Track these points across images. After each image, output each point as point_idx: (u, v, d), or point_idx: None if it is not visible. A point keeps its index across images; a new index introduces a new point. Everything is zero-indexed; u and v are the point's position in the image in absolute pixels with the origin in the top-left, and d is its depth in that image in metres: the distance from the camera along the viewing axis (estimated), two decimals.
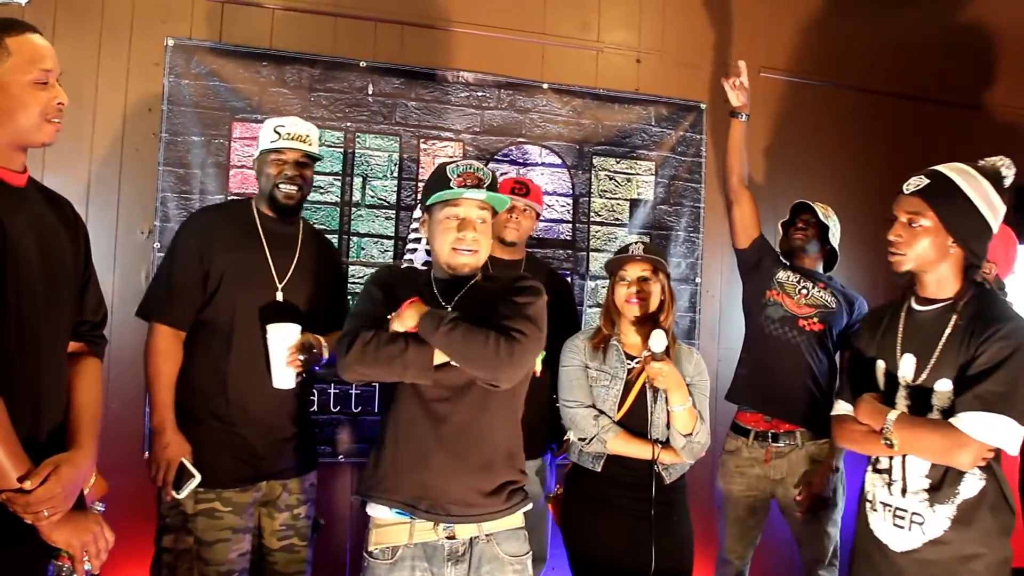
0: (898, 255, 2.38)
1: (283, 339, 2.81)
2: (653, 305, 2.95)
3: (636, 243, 2.99)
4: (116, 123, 3.78)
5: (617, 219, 4.45)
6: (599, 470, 2.94)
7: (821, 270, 3.73)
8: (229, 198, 3.78)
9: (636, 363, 2.96)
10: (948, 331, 2.35)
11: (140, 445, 3.61)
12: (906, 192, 2.40)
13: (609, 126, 4.43)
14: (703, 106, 4.60)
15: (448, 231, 2.36)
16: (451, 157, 4.14)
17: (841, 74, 4.85)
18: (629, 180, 4.46)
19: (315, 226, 3.38)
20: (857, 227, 4.28)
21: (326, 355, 2.91)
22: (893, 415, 2.33)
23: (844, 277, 4.01)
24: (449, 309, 2.34)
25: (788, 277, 3.67)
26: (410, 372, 2.26)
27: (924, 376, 2.36)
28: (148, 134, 3.79)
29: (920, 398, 2.37)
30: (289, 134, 3.00)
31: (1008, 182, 2.41)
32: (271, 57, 3.92)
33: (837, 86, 4.85)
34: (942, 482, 2.33)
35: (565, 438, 3.07)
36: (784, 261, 3.74)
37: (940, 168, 2.39)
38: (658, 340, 2.76)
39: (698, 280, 4.57)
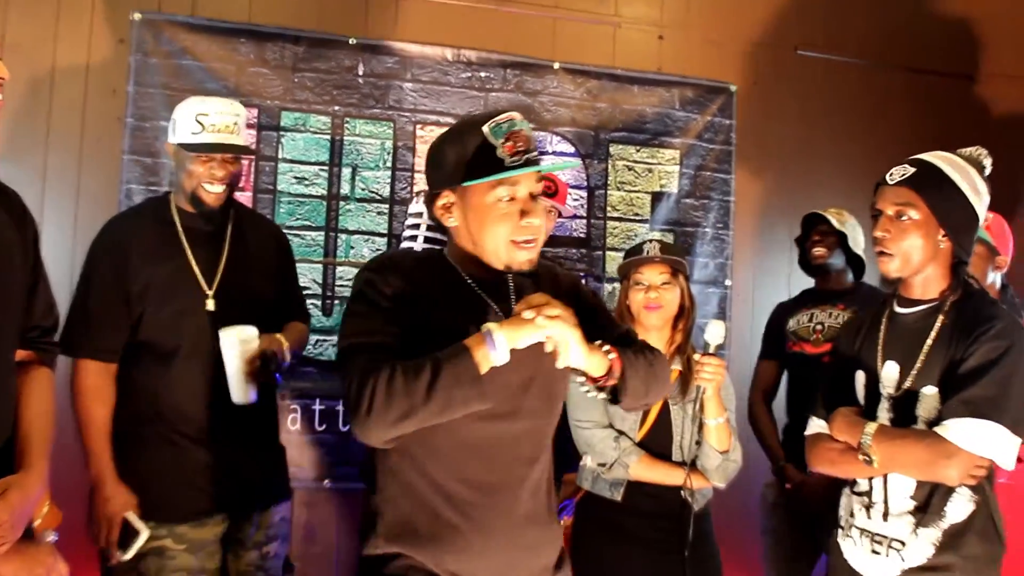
0: (886, 254, 2.38)
1: (238, 346, 2.76)
2: (671, 313, 2.94)
3: (651, 242, 2.98)
4: (76, 106, 3.77)
5: (637, 214, 4.44)
6: (619, 499, 2.91)
7: (851, 278, 3.75)
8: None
9: None
10: (934, 334, 2.35)
11: None
12: (890, 182, 2.39)
13: (628, 110, 4.42)
14: (733, 88, 4.58)
15: (506, 218, 1.97)
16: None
17: (887, 53, 4.84)
18: (650, 171, 4.46)
19: (254, 210, 3.33)
20: None
21: (288, 358, 2.87)
22: (871, 428, 2.31)
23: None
24: (496, 310, 2.08)
25: (799, 321, 3.72)
26: (460, 395, 1.87)
27: (908, 384, 2.36)
28: (112, 119, 3.78)
29: (904, 409, 2.36)
30: (215, 126, 2.86)
31: (988, 172, 2.43)
32: (250, 33, 3.93)
33: (883, 66, 4.83)
34: (928, 502, 2.32)
35: (581, 463, 3.02)
36: (789, 305, 3.84)
37: (924, 156, 2.41)
38: (715, 331, 2.76)
39: (728, 283, 4.56)
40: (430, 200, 2.06)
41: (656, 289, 2.93)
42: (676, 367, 2.92)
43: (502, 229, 1.98)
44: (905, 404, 2.36)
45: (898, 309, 2.48)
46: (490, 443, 2.02)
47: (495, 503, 2.02)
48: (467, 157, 1.96)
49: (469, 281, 2.07)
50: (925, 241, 2.35)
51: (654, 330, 2.96)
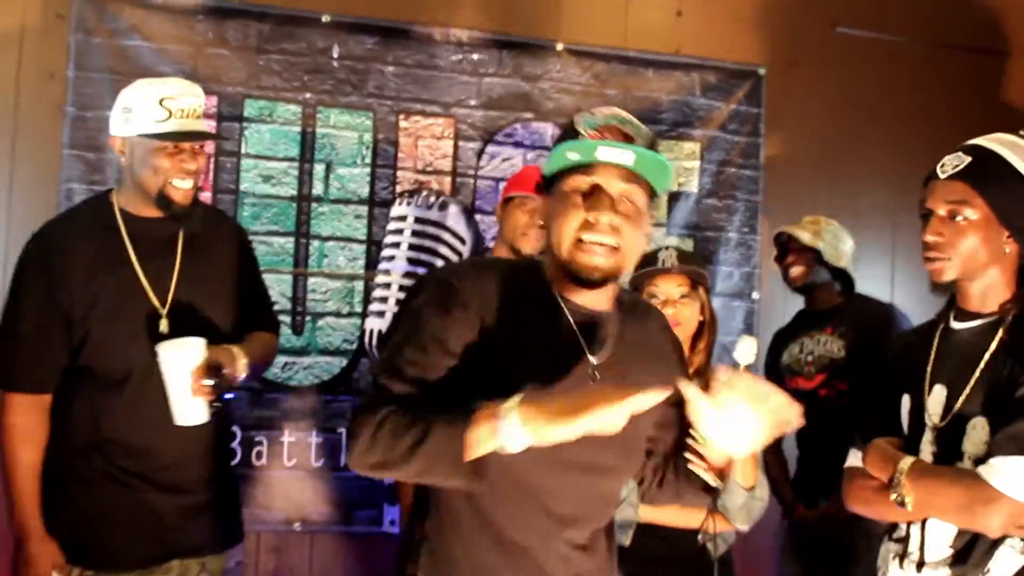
0: (940, 260, 2.26)
1: (181, 360, 2.66)
2: (689, 331, 2.91)
3: (667, 250, 2.97)
4: (6, 92, 3.70)
5: (652, 216, 4.17)
6: (627, 543, 2.84)
7: (839, 290, 3.76)
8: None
9: None
10: (989, 354, 2.24)
11: None
12: (942, 176, 2.26)
13: (641, 98, 4.37)
14: (762, 72, 4.54)
15: (573, 209, 1.87)
16: (440, 137, 4.12)
17: (941, 30, 4.80)
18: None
19: (207, 204, 3.35)
20: None
21: (241, 374, 2.78)
22: (905, 464, 2.23)
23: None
24: (594, 361, 1.95)
25: (792, 353, 3.76)
26: (441, 471, 1.80)
27: (955, 412, 2.26)
28: (50, 107, 3.71)
29: (951, 441, 2.26)
30: (184, 111, 2.77)
31: None
32: (209, 9, 3.88)
33: (936, 45, 4.79)
34: (969, 553, 2.20)
35: None
36: (784, 334, 3.87)
37: (981, 142, 2.29)
38: (746, 349, 2.75)
39: (755, 296, 4.54)
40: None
41: (673, 304, 2.90)
42: None
43: (569, 222, 1.87)
44: (951, 436, 2.26)
45: (953, 323, 2.36)
46: (555, 492, 1.95)
47: (545, 556, 1.95)
48: (557, 147, 1.92)
49: (563, 307, 1.96)
50: (985, 245, 2.23)
51: None
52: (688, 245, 4.29)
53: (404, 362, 1.86)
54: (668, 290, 2.90)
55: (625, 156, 1.84)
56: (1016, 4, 4.90)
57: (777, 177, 4.51)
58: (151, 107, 2.74)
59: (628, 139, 1.89)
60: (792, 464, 3.81)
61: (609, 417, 1.65)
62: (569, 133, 1.92)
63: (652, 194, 1.95)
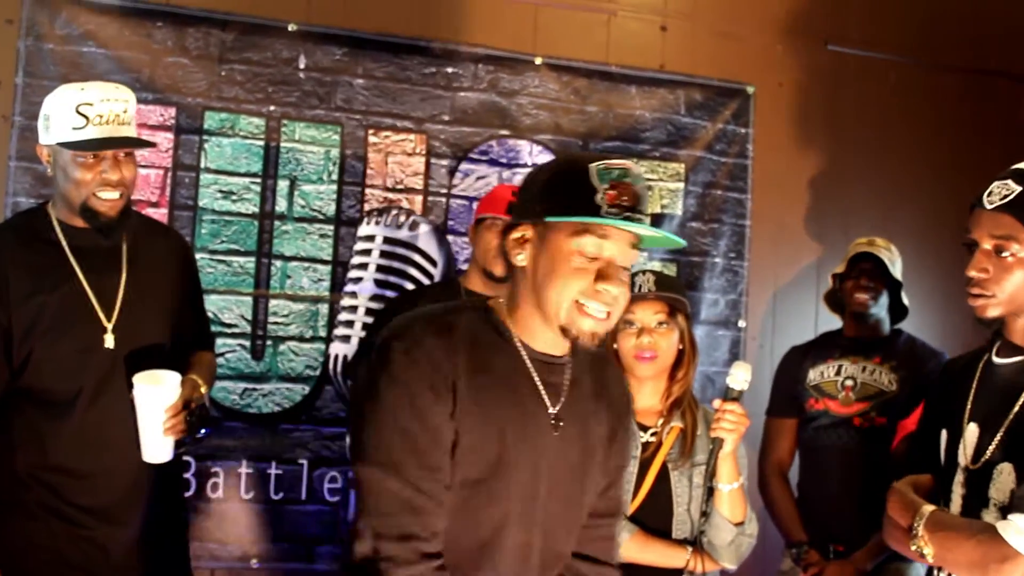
0: (984, 297, 2.25)
1: (156, 397, 2.66)
2: (667, 360, 2.90)
3: (644, 274, 2.95)
4: None
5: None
6: None
7: (888, 327, 3.75)
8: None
9: (652, 435, 2.89)
10: None
11: None
12: (988, 207, 2.24)
13: (623, 115, 4.39)
14: (750, 89, 4.56)
15: (580, 273, 1.89)
16: (411, 153, 4.10)
17: (936, 49, 4.81)
18: (649, 188, 4.35)
19: (147, 216, 3.32)
20: (954, 238, 4.25)
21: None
22: (925, 511, 2.22)
23: (928, 319, 4.01)
24: (553, 410, 2.03)
25: (824, 373, 3.71)
26: None
27: (988, 455, 2.24)
28: None
29: (980, 486, 2.25)
30: (103, 117, 2.72)
31: None
32: (168, 16, 3.85)
33: (931, 65, 4.82)
34: None
35: None
36: (807, 350, 3.84)
37: None
38: (740, 375, 2.73)
39: (742, 324, 4.52)
40: (506, 230, 2.02)
41: (650, 332, 2.88)
42: (676, 424, 2.88)
43: (573, 284, 1.90)
44: (982, 479, 2.24)
45: (995, 358, 2.34)
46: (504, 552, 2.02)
47: None
48: (561, 191, 1.93)
49: (522, 355, 2.01)
50: None
51: (648, 381, 2.93)
52: (671, 270, 4.29)
53: (406, 466, 1.87)
54: (645, 317, 2.88)
55: (643, 230, 1.91)
56: (1008, 25, 4.90)
57: (766, 201, 4.50)
58: (68, 114, 2.71)
59: (637, 198, 1.91)
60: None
61: None
62: (579, 180, 1.91)
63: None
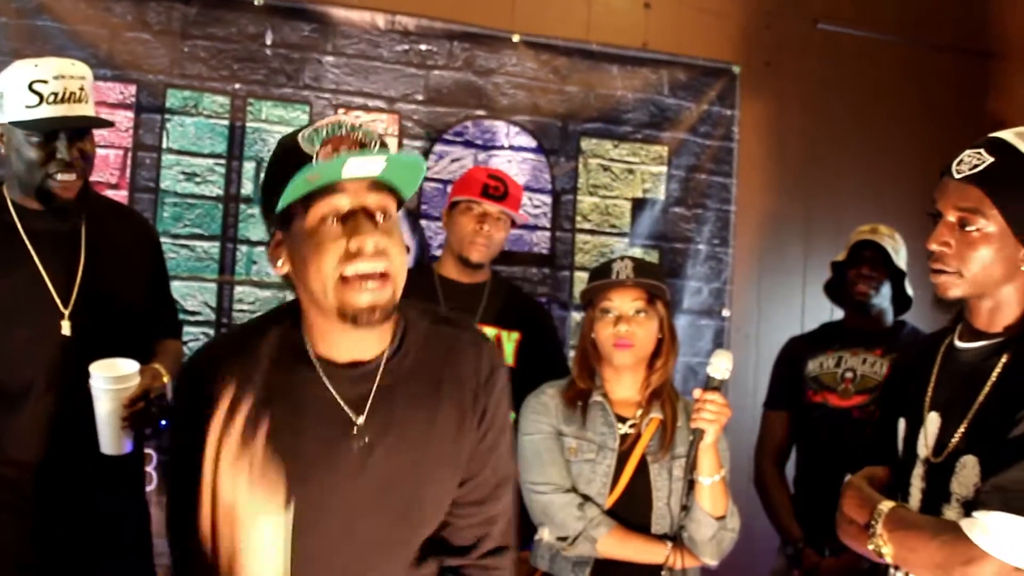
0: (946, 273, 2.18)
1: (113, 387, 2.64)
2: (646, 349, 2.91)
3: (623, 260, 2.97)
4: None
5: (613, 226, 4.41)
6: None
7: (891, 318, 3.75)
8: None
9: (631, 427, 2.90)
10: (992, 380, 2.17)
11: None
12: (957, 176, 2.16)
13: (605, 95, 4.39)
14: (736, 69, 4.56)
15: (328, 244, 1.73)
16: (382, 134, 4.00)
17: (928, 28, 4.84)
18: (631, 172, 4.42)
19: (111, 199, 3.28)
20: None
21: (171, 395, 2.77)
22: (883, 509, 2.19)
23: (932, 310, 3.93)
24: (359, 421, 1.87)
25: (823, 364, 3.72)
26: None
27: (950, 446, 2.20)
28: None
29: (941, 479, 2.22)
30: (57, 95, 2.70)
31: None
32: None
33: (923, 44, 4.84)
34: None
35: (536, 537, 2.95)
36: (807, 341, 3.85)
37: (1008, 137, 2.16)
38: (720, 363, 2.74)
39: (725, 313, 4.54)
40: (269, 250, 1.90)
41: (628, 321, 2.89)
42: (656, 415, 2.89)
43: (326, 257, 1.72)
44: (943, 472, 2.21)
45: (957, 342, 2.29)
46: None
47: None
48: (279, 176, 1.74)
49: (320, 373, 1.85)
50: (999, 261, 2.15)
51: (626, 371, 2.94)
52: (653, 257, 4.31)
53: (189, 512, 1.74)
54: (622, 305, 2.88)
55: (376, 165, 1.71)
56: (1000, 5, 4.94)
57: (751, 185, 4.52)
58: (21, 91, 2.68)
59: (363, 146, 1.77)
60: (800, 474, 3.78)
61: None
62: (291, 156, 1.76)
63: (399, 202, 1.83)
